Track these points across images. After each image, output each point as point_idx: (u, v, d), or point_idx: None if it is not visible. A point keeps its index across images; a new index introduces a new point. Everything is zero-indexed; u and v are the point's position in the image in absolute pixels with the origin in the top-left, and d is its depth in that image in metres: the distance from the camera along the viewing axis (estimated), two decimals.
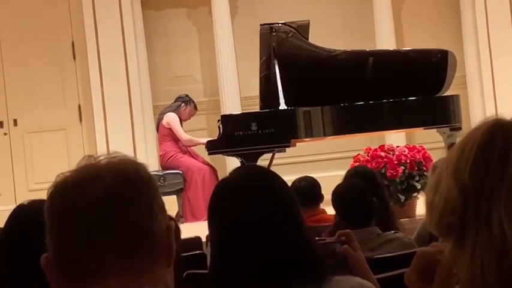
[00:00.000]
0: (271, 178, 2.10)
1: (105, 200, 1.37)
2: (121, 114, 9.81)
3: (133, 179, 1.40)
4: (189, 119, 9.26)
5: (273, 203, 2.03)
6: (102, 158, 1.43)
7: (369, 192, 4.14)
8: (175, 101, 9.25)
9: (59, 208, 1.39)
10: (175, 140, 9.04)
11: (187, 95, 9.29)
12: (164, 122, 9.05)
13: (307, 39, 8.06)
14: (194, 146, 9.12)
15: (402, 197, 7.36)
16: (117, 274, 1.37)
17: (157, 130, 9.21)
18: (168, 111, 9.09)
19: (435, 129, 8.00)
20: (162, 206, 1.44)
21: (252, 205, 2.02)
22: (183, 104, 9.15)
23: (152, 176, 1.45)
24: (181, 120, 9.14)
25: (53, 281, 1.40)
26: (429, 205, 1.33)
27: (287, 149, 7.83)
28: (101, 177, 1.39)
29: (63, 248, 1.38)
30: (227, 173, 2.17)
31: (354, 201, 4.08)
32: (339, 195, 4.19)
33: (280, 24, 7.96)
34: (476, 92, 9.93)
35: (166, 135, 9.06)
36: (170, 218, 1.48)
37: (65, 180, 1.41)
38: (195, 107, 9.29)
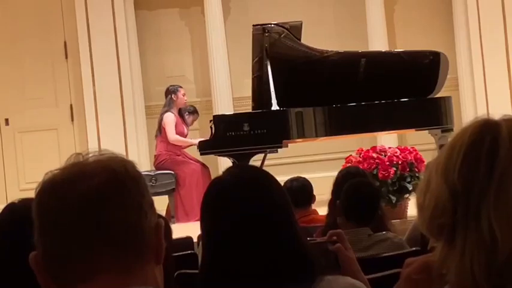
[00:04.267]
0: (264, 178, 2.10)
1: (93, 198, 1.36)
2: (113, 114, 9.80)
3: (122, 176, 1.39)
4: (186, 100, 9.25)
5: (266, 203, 2.04)
6: (90, 155, 1.42)
7: (380, 198, 4.24)
8: (166, 96, 9.26)
9: (47, 206, 1.38)
10: (168, 142, 9.04)
11: (171, 86, 9.28)
12: (163, 122, 9.09)
13: (300, 40, 8.06)
14: (184, 146, 9.12)
15: (394, 198, 7.37)
16: (106, 273, 1.36)
17: (160, 132, 9.20)
18: (165, 111, 9.11)
19: (427, 131, 8.01)
20: (151, 203, 1.43)
21: (245, 204, 2.02)
22: (173, 96, 9.16)
23: (141, 173, 1.44)
24: (182, 111, 9.13)
25: (41, 279, 1.39)
26: (420, 206, 1.33)
27: (279, 149, 7.84)
28: (89, 175, 1.38)
29: (51, 246, 1.37)
30: (219, 173, 2.17)
31: (367, 198, 4.12)
32: (354, 187, 4.21)
33: (272, 25, 7.96)
34: (468, 93, 9.96)
35: (164, 136, 9.08)
36: (159, 216, 1.47)
37: (53, 178, 1.40)
38: (181, 87, 9.29)
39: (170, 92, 9.21)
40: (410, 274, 1.40)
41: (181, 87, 9.29)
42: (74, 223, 1.36)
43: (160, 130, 9.15)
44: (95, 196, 1.37)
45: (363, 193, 4.16)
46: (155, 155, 9.19)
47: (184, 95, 9.25)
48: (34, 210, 1.40)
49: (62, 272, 1.37)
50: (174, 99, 9.15)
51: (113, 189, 1.38)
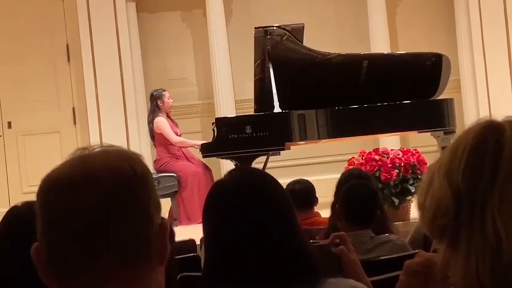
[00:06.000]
0: (266, 180, 2.10)
1: (101, 209, 1.34)
2: (115, 117, 9.80)
3: (129, 180, 1.36)
4: (172, 102, 9.20)
5: (268, 205, 2.03)
6: (96, 148, 1.38)
7: (379, 198, 4.22)
8: (151, 102, 9.20)
9: (51, 208, 1.35)
10: (167, 144, 9.03)
11: (154, 90, 9.21)
12: (155, 127, 9.04)
13: (302, 42, 8.06)
14: (187, 147, 9.11)
15: (396, 200, 7.36)
16: (110, 282, 1.34)
17: (153, 138, 9.17)
18: (154, 118, 9.06)
19: (429, 133, 8.01)
20: (157, 203, 1.40)
21: (247, 207, 2.02)
22: (158, 102, 9.11)
23: (148, 170, 1.41)
24: (169, 115, 9.12)
25: (42, 272, 1.36)
26: (421, 207, 1.33)
27: (281, 152, 7.84)
28: (95, 179, 1.34)
29: (54, 250, 1.35)
30: (222, 176, 2.17)
31: (365, 199, 4.12)
32: (351, 189, 4.20)
33: (274, 27, 7.96)
34: (470, 95, 9.95)
35: (160, 140, 9.06)
36: (163, 218, 1.46)
37: (58, 176, 1.36)
38: (165, 91, 9.22)
39: (155, 97, 9.09)
40: (411, 265, 1.40)
41: (165, 90, 9.23)
42: (80, 229, 1.33)
43: (153, 137, 9.11)
44: (102, 204, 1.34)
45: (360, 195, 4.16)
46: (155, 160, 9.13)
47: (169, 98, 9.18)
48: (39, 210, 1.36)
49: (65, 276, 1.35)
50: (160, 104, 9.09)
51: (120, 195, 1.35)
